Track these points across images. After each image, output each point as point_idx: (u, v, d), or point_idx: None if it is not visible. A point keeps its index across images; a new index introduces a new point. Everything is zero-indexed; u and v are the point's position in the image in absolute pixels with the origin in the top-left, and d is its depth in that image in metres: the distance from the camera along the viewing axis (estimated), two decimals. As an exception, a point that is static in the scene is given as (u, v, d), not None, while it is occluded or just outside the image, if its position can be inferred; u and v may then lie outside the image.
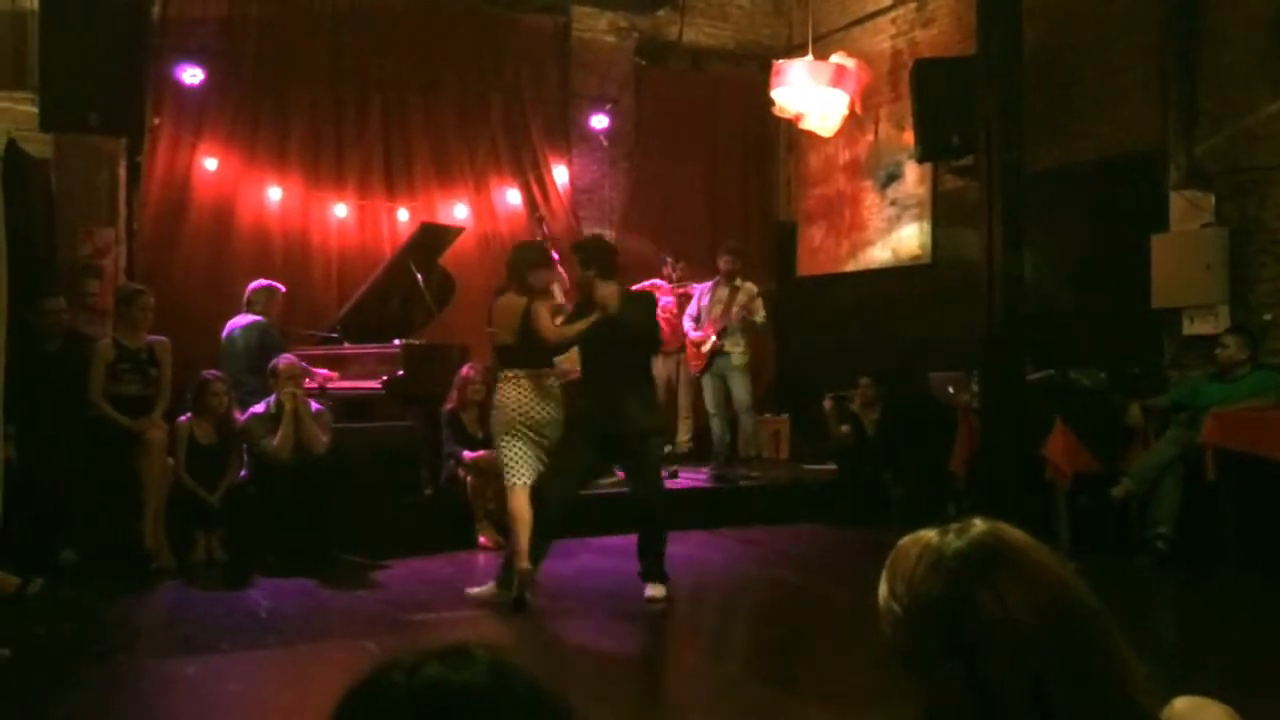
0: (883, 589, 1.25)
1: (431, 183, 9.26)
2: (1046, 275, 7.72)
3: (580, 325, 5.36)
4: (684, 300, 8.84)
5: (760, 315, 8.23)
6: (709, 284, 8.41)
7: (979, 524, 1.24)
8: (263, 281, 7.47)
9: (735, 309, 8.17)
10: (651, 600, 5.31)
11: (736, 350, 8.18)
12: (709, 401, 8.39)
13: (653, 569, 5.42)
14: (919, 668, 1.19)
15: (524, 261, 5.55)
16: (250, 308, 7.29)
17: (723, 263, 8.35)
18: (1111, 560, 6.10)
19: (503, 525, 6.82)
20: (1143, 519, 6.33)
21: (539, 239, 7.56)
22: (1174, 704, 1.23)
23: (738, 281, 8.28)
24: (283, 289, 7.56)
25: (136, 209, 8.26)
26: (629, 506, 5.72)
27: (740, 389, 8.24)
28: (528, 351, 5.38)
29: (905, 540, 1.27)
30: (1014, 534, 1.23)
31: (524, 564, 5.13)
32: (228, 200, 8.59)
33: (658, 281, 8.91)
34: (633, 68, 10.19)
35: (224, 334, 7.27)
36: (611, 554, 6.42)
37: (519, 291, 5.46)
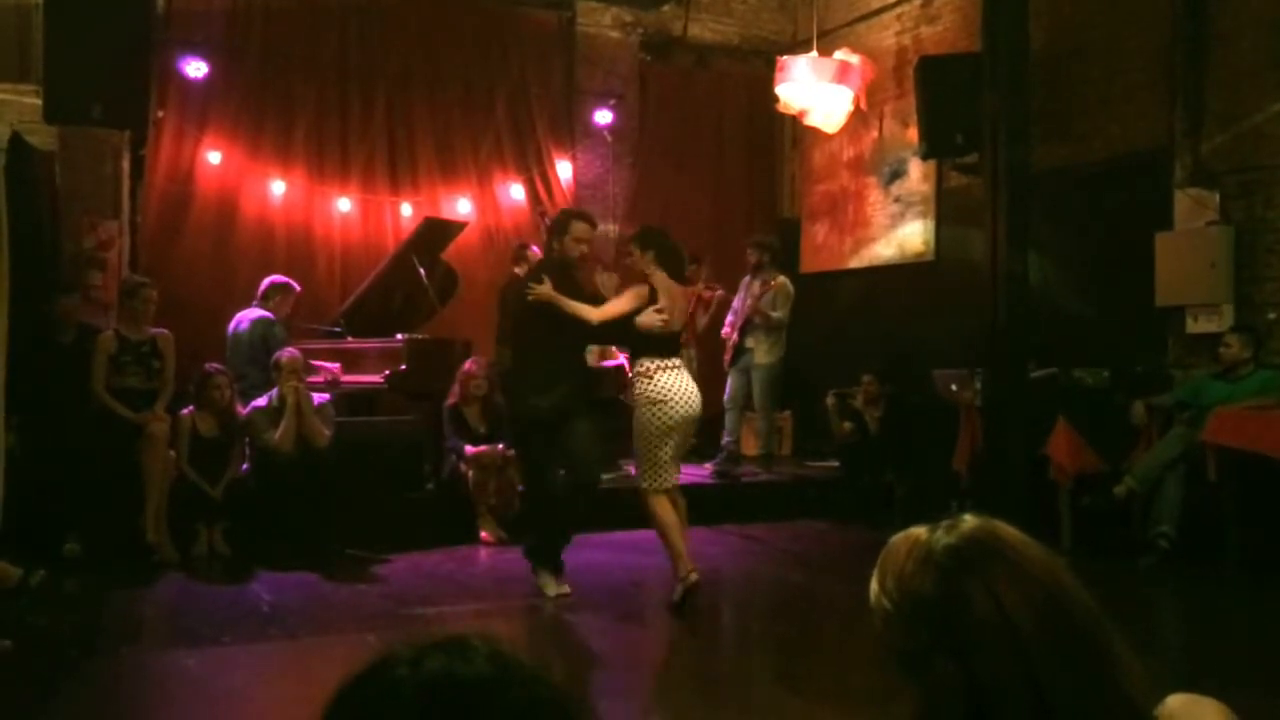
0: (874, 585, 1.24)
1: (435, 177, 9.26)
2: (1050, 273, 7.70)
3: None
4: (698, 302, 8.86)
5: (776, 311, 8.16)
6: (747, 278, 8.40)
7: (970, 520, 1.23)
8: (279, 278, 7.51)
9: (749, 304, 8.17)
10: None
11: (760, 348, 8.17)
12: (726, 394, 8.40)
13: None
14: (911, 665, 1.19)
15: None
16: (264, 302, 7.32)
17: (747, 255, 8.37)
18: (1113, 560, 6.09)
19: (504, 520, 6.85)
20: (1145, 518, 6.32)
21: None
22: (1168, 701, 1.23)
23: (767, 275, 8.25)
24: (298, 288, 7.60)
25: (140, 202, 8.28)
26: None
27: (757, 387, 8.23)
28: (676, 339, 5.37)
29: (896, 537, 1.27)
30: (1005, 529, 1.22)
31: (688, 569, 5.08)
32: (231, 194, 8.60)
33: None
34: (637, 63, 10.18)
35: (230, 327, 7.29)
36: (616, 549, 6.43)
37: (674, 275, 5.32)
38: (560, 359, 5.20)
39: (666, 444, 5.14)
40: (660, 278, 5.23)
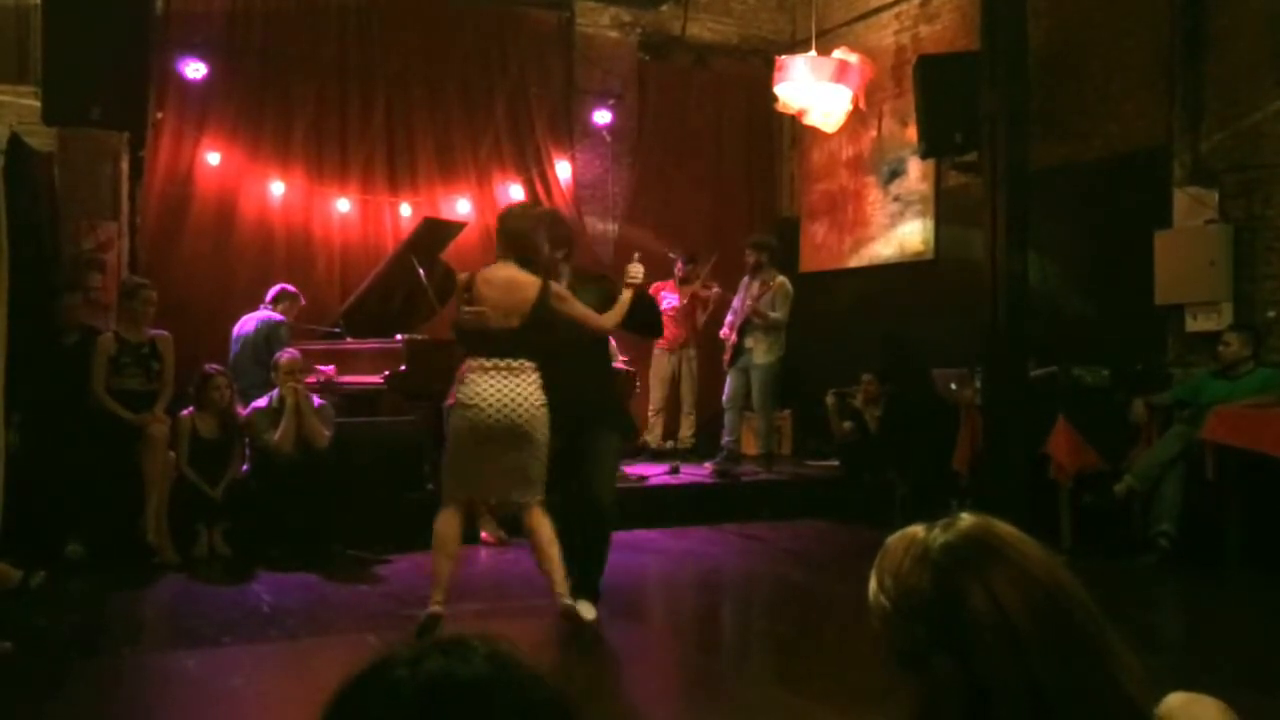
0: (872, 584, 1.24)
1: (434, 178, 9.26)
2: (1050, 272, 7.70)
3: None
4: (696, 300, 8.87)
5: (775, 312, 8.17)
6: (746, 278, 8.41)
7: (967, 518, 1.23)
8: (290, 287, 7.61)
9: (748, 304, 8.19)
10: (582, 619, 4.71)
11: (759, 348, 8.19)
12: (726, 394, 8.42)
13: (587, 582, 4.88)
14: (910, 663, 1.19)
15: (540, 229, 4.79)
16: (274, 306, 7.42)
17: (746, 255, 8.39)
18: (1113, 559, 6.09)
19: (504, 520, 6.85)
20: (1145, 517, 6.32)
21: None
22: (1168, 699, 1.23)
23: (766, 275, 8.26)
24: (303, 301, 7.69)
25: (139, 203, 8.28)
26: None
27: (756, 387, 8.25)
28: (513, 337, 4.61)
29: (894, 536, 1.27)
30: (1002, 527, 1.22)
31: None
32: (230, 195, 8.59)
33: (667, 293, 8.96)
34: (636, 63, 10.19)
35: (236, 329, 7.33)
36: (615, 548, 6.41)
37: (522, 263, 4.65)
38: (544, 365, 5.05)
39: (464, 454, 4.60)
40: (496, 268, 4.67)
